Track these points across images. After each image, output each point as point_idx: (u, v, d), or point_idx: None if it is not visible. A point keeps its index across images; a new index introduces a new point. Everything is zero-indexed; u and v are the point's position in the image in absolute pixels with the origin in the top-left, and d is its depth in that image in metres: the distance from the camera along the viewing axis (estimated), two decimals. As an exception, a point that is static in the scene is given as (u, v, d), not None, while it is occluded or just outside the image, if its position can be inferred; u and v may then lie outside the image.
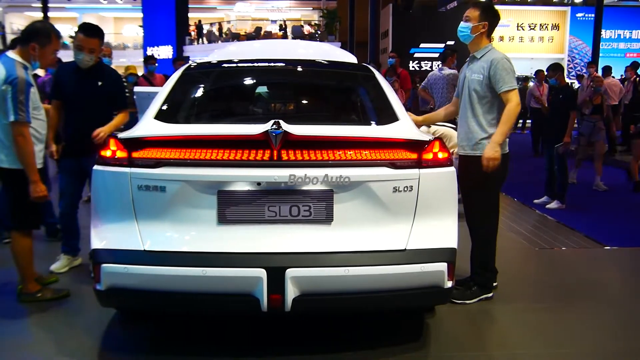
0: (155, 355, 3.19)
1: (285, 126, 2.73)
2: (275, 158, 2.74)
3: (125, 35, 34.85)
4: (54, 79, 4.65)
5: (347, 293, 2.80)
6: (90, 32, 4.28)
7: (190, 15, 29.32)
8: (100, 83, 4.37)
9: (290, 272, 2.68)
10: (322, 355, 3.19)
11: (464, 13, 3.98)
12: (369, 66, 3.91)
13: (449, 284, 2.89)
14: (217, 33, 28.26)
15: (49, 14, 21.65)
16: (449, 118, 4.39)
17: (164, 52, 27.14)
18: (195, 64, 3.99)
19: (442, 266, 2.84)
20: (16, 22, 33.44)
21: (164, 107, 3.21)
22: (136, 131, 3.00)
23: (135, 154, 2.82)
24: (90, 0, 33.19)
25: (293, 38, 25.99)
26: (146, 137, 2.88)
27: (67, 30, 33.70)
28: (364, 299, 2.84)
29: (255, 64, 3.84)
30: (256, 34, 27.48)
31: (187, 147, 2.77)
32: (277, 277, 2.67)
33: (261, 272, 2.67)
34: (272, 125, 2.73)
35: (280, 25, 29.18)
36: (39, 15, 21.97)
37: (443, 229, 2.96)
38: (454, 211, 3.03)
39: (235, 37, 27.02)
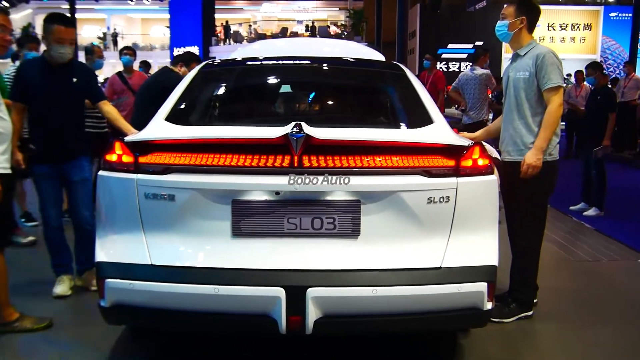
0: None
1: (308, 129, 2.46)
2: (295, 164, 2.46)
3: (153, 36, 35.09)
4: (17, 78, 3.99)
5: (375, 315, 2.52)
6: (68, 22, 3.89)
7: (216, 16, 29.38)
8: (75, 79, 3.94)
9: (312, 292, 2.41)
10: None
11: (501, 12, 3.72)
12: (399, 64, 3.63)
13: (489, 305, 2.59)
14: (246, 33, 28.27)
15: (78, 15, 21.80)
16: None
17: (191, 52, 27.18)
18: (213, 61, 3.75)
19: (482, 286, 2.54)
20: (46, 24, 33.91)
21: (177, 108, 2.97)
22: (144, 134, 2.76)
23: (142, 159, 2.57)
24: (118, 2, 33.51)
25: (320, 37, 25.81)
26: (154, 140, 2.63)
27: (95, 32, 34.20)
28: (393, 321, 2.55)
29: (278, 62, 3.60)
30: (282, 35, 27.37)
31: (198, 151, 2.51)
32: (297, 297, 2.40)
33: (279, 292, 2.40)
34: (293, 128, 2.46)
35: (307, 26, 29.05)
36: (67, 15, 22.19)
37: (483, 245, 2.65)
38: (495, 224, 2.73)
39: (261, 37, 26.97)
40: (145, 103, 4.96)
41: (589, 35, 28.10)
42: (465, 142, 2.63)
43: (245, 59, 3.67)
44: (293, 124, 2.50)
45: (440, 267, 2.56)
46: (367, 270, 2.52)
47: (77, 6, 20.96)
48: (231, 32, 28.22)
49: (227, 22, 28.81)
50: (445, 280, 2.52)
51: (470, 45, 20.58)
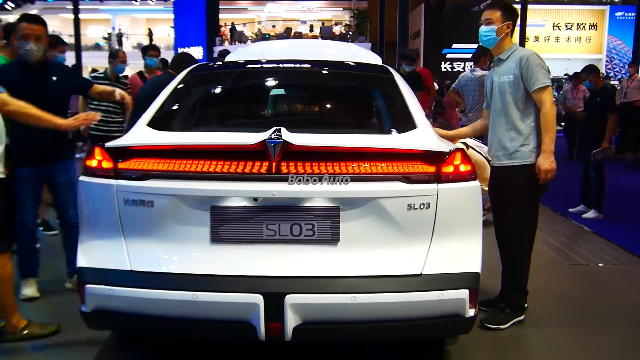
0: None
1: (286, 135, 2.45)
2: (273, 171, 2.45)
3: (157, 36, 35.14)
4: None
5: (355, 322, 2.50)
6: (33, 19, 3.85)
7: (220, 16, 29.43)
8: (55, 78, 3.92)
9: (290, 299, 2.39)
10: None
11: (482, 16, 3.65)
12: (388, 67, 3.60)
13: (471, 312, 2.56)
14: (251, 34, 28.40)
15: (82, 16, 21.87)
16: (479, 133, 4.11)
17: (195, 52, 27.25)
18: (200, 65, 3.74)
19: (463, 293, 2.51)
20: (52, 24, 34.05)
21: (160, 113, 2.96)
22: (124, 139, 2.76)
23: (121, 165, 2.57)
24: (123, 2, 33.60)
25: (322, 38, 25.77)
26: (132, 146, 2.63)
27: (100, 32, 34.34)
28: (374, 328, 2.54)
29: (265, 66, 3.58)
30: (286, 35, 27.37)
31: (177, 157, 2.51)
32: (276, 303, 2.39)
33: (258, 298, 2.39)
34: (271, 134, 2.45)
35: (311, 26, 29.07)
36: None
37: (465, 252, 2.63)
38: (478, 231, 2.70)
39: (264, 38, 26.96)
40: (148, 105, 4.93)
41: (594, 35, 27.94)
42: (447, 148, 2.60)
43: (233, 63, 3.66)
44: (273, 129, 2.49)
45: (421, 274, 2.53)
46: (347, 277, 2.50)
47: (82, 6, 21.02)
48: (235, 32, 28.27)
49: (232, 23, 28.91)
50: (425, 287, 2.49)
51: (475, 45, 20.47)
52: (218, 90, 3.57)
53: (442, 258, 2.57)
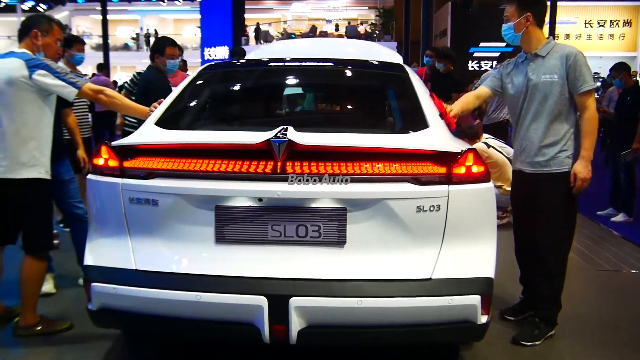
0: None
1: (292, 134, 2.39)
2: (278, 170, 2.40)
3: (184, 36, 35.51)
4: None
5: (361, 326, 2.44)
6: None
7: (246, 16, 29.56)
8: None
9: (295, 301, 2.33)
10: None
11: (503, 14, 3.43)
12: (403, 66, 3.51)
13: (484, 319, 2.47)
14: (276, 33, 28.52)
15: (111, 17, 22.22)
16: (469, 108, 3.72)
17: (221, 52, 27.45)
18: (212, 64, 3.71)
19: (475, 299, 2.42)
20: (82, 25, 34.80)
21: (169, 112, 2.94)
22: (130, 138, 2.75)
23: (126, 164, 2.55)
24: (151, 3, 34.06)
25: (348, 37, 25.70)
26: (137, 144, 2.61)
27: (129, 32, 34.85)
28: (380, 333, 2.46)
29: (277, 64, 3.54)
30: (312, 34, 27.36)
31: (182, 156, 2.48)
32: (280, 306, 2.34)
33: (262, 300, 2.34)
34: (277, 133, 2.39)
35: (337, 25, 29.02)
36: (102, 17, 22.65)
37: (477, 256, 2.53)
38: (492, 234, 2.60)
39: (289, 37, 27.03)
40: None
41: (628, 32, 27.27)
42: (458, 148, 2.50)
43: (245, 62, 3.63)
44: (279, 128, 2.44)
45: (431, 279, 2.44)
46: (353, 280, 2.43)
47: (110, 7, 21.39)
48: (261, 31, 28.41)
49: (257, 24, 29.07)
50: (435, 292, 2.41)
51: (504, 44, 20.15)
52: (228, 88, 3.54)
53: (453, 262, 2.48)
